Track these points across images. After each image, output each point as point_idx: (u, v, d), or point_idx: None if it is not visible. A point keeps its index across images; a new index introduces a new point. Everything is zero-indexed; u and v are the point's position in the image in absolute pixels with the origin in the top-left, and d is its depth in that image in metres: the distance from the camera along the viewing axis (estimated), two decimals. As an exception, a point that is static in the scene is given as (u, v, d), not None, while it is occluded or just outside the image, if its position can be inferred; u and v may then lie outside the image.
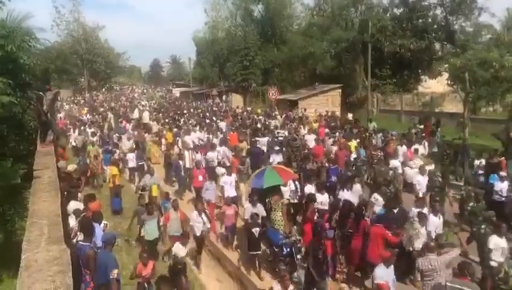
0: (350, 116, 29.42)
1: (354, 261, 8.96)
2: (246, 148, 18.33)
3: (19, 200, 11.07)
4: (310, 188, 11.71)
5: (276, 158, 15.48)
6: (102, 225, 8.77)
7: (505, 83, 19.59)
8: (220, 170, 15.43)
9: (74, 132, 23.75)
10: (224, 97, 49.76)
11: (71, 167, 14.51)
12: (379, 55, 33.41)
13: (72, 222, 8.41)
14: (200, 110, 37.32)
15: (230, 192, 12.97)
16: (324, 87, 36.03)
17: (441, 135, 21.52)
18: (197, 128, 23.00)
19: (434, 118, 25.10)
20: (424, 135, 20.27)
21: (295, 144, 18.66)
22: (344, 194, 11.17)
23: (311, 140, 19.05)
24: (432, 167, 14.68)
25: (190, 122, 27.18)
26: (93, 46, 65.39)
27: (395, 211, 9.58)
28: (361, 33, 33.91)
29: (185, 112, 36.08)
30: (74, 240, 7.43)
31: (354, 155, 16.29)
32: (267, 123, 25.68)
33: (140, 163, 17.63)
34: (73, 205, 9.65)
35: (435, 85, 33.66)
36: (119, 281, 6.71)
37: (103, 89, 69.69)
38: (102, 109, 38.65)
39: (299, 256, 9.01)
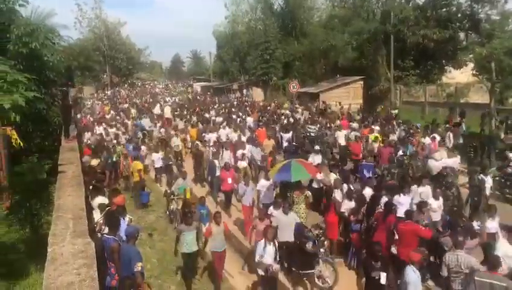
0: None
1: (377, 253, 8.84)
2: (272, 145, 17.32)
3: (45, 195, 11.27)
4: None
5: (316, 159, 14.36)
6: (126, 219, 8.86)
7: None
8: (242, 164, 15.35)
9: (94, 130, 22.77)
10: (244, 91, 49.74)
11: (95, 162, 14.71)
12: (401, 46, 32.80)
13: (97, 216, 8.51)
14: (225, 105, 36.74)
15: (267, 198, 11.63)
16: (345, 79, 35.65)
17: (467, 126, 21.06)
18: (225, 124, 22.22)
19: (459, 109, 24.59)
20: (448, 126, 19.83)
21: (326, 139, 18.37)
22: (400, 199, 9.97)
23: (341, 136, 18.55)
24: (457, 158, 14.42)
25: (216, 118, 26.62)
26: (115, 42, 66.12)
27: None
28: (383, 24, 33.34)
29: (211, 107, 35.69)
30: (99, 234, 7.53)
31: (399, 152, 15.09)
32: (296, 118, 24.87)
33: (168, 163, 17.22)
34: (99, 199, 9.77)
35: (460, 75, 32.92)
36: (143, 274, 6.77)
37: (125, 85, 70.48)
38: (126, 105, 38.58)
39: (322, 250, 8.93)
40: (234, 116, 26.62)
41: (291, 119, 24.46)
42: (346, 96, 33.67)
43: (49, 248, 4.98)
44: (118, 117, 29.65)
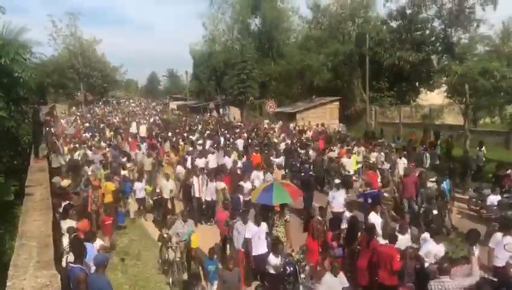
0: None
1: (361, 279, 8.61)
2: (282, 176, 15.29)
3: (10, 218, 10.66)
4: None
5: (337, 196, 12.16)
6: (96, 245, 8.40)
7: (505, 95, 19.52)
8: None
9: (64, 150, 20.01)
10: (221, 110, 49.60)
11: (65, 182, 14.13)
12: (377, 68, 33.33)
13: (66, 241, 8.03)
14: (210, 125, 35.10)
15: (259, 248, 9.47)
16: (322, 99, 35.93)
17: (441, 147, 21.32)
18: (213, 149, 20.10)
19: (433, 130, 24.93)
20: (424, 147, 20.01)
21: (331, 166, 17.22)
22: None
23: (348, 164, 16.89)
24: (434, 179, 14.45)
25: (201, 140, 24.14)
26: (90, 60, 65.19)
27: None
28: (359, 46, 33.86)
29: (194, 127, 33.53)
30: (64, 262, 7.03)
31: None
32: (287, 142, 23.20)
33: (154, 197, 14.65)
34: (67, 223, 9.25)
35: (434, 97, 33.56)
36: (114, 305, 6.34)
37: (100, 103, 69.41)
38: (102, 125, 36.55)
39: (302, 275, 8.64)
40: (222, 139, 24.66)
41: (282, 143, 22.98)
42: (322, 116, 33.85)
43: (8, 282, 4.53)
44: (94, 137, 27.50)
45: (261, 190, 10.89)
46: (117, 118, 47.07)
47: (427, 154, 18.05)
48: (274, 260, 8.45)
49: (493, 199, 12.17)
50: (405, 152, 17.86)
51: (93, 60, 65.99)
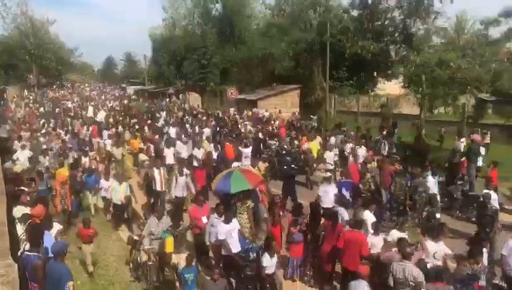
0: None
1: (326, 265, 8.75)
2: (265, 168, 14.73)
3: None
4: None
5: (329, 191, 11.56)
6: (54, 230, 8.09)
7: (459, 85, 20.25)
8: None
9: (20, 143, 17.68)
10: (181, 96, 48.90)
11: (18, 167, 13.57)
12: (337, 57, 33.69)
13: (21, 229, 7.65)
14: (175, 112, 33.65)
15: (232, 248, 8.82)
16: (283, 87, 36.06)
17: (398, 136, 21.91)
18: (183, 138, 18.88)
19: (391, 119, 25.60)
20: (382, 135, 20.49)
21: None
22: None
23: (330, 157, 16.13)
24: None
25: (166, 128, 23.38)
26: (42, 40, 62.38)
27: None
28: (320, 35, 34.09)
29: (158, 114, 31.87)
30: (20, 251, 6.71)
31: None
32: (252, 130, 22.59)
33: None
34: (19, 209, 8.81)
35: (392, 87, 34.39)
36: (74, 293, 6.10)
37: (54, 86, 66.79)
38: (57, 110, 34.83)
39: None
40: (188, 127, 23.66)
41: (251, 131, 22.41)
42: (283, 104, 34.03)
43: (-39, 271, 4.26)
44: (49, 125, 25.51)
45: (221, 177, 10.84)
46: (73, 102, 45.22)
47: (385, 142, 18.52)
48: (268, 260, 8.13)
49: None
50: (363, 140, 18.28)
51: (46, 41, 63.17)
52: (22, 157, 15.26)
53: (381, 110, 31.04)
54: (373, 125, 25.09)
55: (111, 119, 27.51)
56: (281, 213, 10.52)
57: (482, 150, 16.20)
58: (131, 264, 9.92)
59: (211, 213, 9.79)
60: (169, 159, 15.92)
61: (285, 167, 15.17)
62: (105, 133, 21.52)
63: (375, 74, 36.29)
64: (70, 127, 24.71)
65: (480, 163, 15.86)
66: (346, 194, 11.89)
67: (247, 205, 10.39)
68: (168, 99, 49.15)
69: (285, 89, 35.67)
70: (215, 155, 16.42)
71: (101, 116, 28.83)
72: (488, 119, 25.45)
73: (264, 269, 8.06)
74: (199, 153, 16.11)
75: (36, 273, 5.98)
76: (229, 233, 8.81)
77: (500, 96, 27.34)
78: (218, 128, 23.89)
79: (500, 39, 24.52)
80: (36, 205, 8.95)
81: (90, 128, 23.06)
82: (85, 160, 15.88)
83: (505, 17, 22.16)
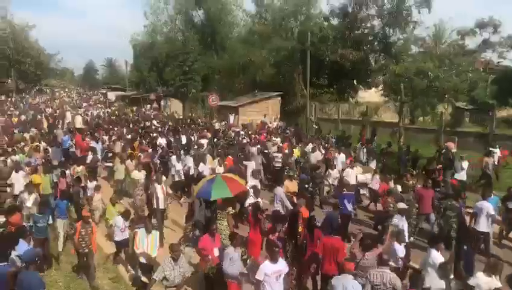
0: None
1: (309, 272, 8.77)
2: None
3: None
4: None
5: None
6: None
7: (436, 94, 20.66)
8: None
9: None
10: (162, 102, 48.69)
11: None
12: (317, 65, 33.99)
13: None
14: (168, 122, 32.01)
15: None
16: (264, 94, 36.15)
17: (378, 144, 22.15)
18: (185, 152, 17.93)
19: (370, 127, 25.89)
20: (362, 143, 20.72)
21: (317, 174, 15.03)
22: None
23: (352, 175, 14.47)
24: (370, 175, 14.99)
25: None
26: (22, 45, 61.62)
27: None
28: (301, 43, 34.37)
29: (153, 123, 30.15)
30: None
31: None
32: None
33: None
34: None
35: (372, 95, 34.83)
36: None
37: (33, 92, 65.87)
38: (39, 117, 32.32)
39: (245, 269, 8.63)
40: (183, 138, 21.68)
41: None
42: (264, 111, 34.09)
43: None
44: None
45: (205, 182, 10.76)
46: (50, 108, 44.06)
47: (364, 149, 18.73)
48: (232, 252, 8.03)
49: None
50: (343, 147, 18.48)
51: (25, 46, 62.43)
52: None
53: (362, 117, 31.37)
54: (353, 133, 25.34)
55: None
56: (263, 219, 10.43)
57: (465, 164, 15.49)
58: None
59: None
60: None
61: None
62: (98, 146, 19.16)
63: (355, 82, 36.70)
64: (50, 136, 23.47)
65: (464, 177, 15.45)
66: (349, 206, 11.64)
67: (227, 211, 10.36)
68: (149, 106, 48.82)
69: (267, 96, 35.78)
70: (220, 171, 14.38)
71: (77, 120, 27.94)
72: (465, 128, 25.95)
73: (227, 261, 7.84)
74: (206, 169, 14.87)
75: (6, 284, 5.84)
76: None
77: (476, 105, 27.93)
78: (215, 140, 22.16)
79: (476, 49, 25.12)
80: (14, 213, 8.69)
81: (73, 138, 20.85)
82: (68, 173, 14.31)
83: (479, 28, 22.73)
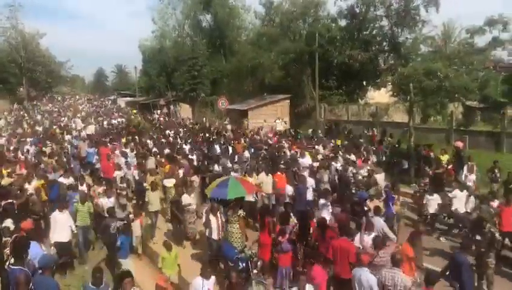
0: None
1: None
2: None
3: None
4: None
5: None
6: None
7: (447, 94, 20.47)
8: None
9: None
10: (172, 107, 48.94)
11: (6, 181, 13.47)
12: (326, 66, 33.95)
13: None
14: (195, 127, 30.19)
15: None
16: (273, 97, 36.15)
17: (388, 144, 22.02)
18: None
19: (380, 127, 25.77)
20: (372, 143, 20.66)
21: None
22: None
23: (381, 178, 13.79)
24: (381, 174, 14.90)
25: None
26: (33, 54, 62.35)
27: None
28: (309, 45, 34.36)
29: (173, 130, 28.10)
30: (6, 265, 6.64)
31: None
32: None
33: None
34: (8, 223, 8.79)
35: (381, 95, 34.64)
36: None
37: (44, 99, 66.67)
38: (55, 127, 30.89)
39: (255, 271, 8.66)
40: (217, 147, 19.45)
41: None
42: (274, 114, 34.09)
43: None
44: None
45: (216, 186, 10.67)
46: (66, 118, 42.42)
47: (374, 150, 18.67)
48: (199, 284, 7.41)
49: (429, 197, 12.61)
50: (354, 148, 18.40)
51: (36, 54, 63.18)
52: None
53: (372, 118, 31.26)
54: (364, 134, 25.25)
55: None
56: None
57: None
58: None
59: None
60: None
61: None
62: (121, 160, 17.02)
63: (364, 82, 36.58)
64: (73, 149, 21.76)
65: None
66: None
67: (239, 214, 10.35)
68: (159, 111, 49.01)
69: (276, 99, 35.78)
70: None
71: (91, 129, 27.99)
72: (476, 126, 25.70)
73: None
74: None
75: (19, 287, 5.92)
76: None
77: (487, 104, 27.65)
78: (253, 150, 19.12)
79: (486, 48, 24.87)
80: (25, 218, 8.90)
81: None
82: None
83: (488, 26, 22.52)
